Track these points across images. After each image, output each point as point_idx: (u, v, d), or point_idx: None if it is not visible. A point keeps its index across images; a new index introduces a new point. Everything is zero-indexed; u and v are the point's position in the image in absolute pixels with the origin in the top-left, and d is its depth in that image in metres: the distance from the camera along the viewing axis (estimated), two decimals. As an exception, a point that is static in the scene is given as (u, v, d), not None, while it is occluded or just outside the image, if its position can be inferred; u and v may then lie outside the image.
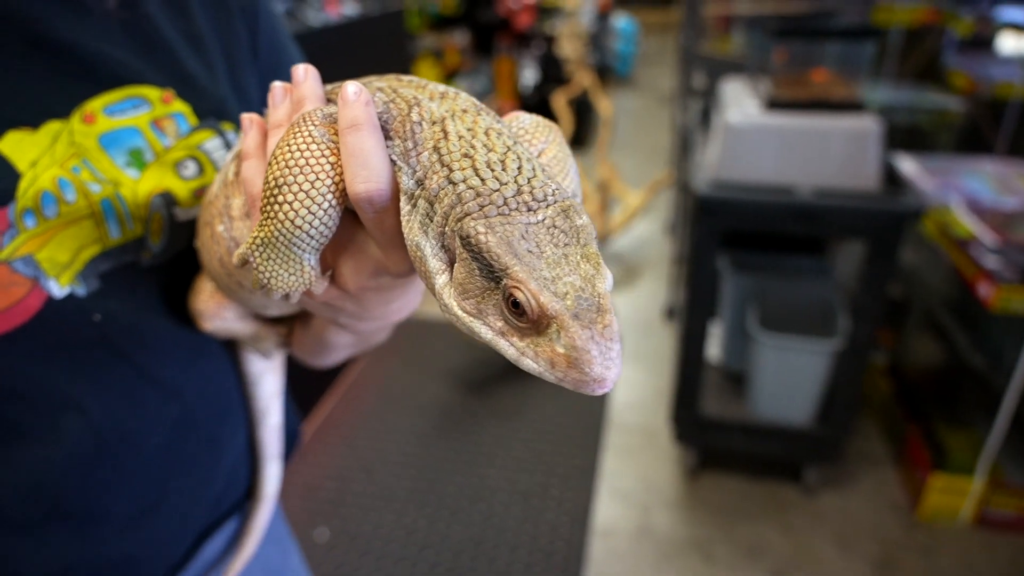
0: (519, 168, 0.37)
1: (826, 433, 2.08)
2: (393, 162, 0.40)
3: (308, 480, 2.30)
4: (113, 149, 0.53)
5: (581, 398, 2.67)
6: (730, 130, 1.88)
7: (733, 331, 2.31)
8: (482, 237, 0.34)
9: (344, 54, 2.60)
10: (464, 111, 0.40)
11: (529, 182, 0.36)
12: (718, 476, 2.30)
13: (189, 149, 0.57)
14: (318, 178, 0.39)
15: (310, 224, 0.40)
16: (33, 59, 0.50)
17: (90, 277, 0.52)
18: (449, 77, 5.55)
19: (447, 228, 0.36)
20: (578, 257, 0.35)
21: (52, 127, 0.50)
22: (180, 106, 0.57)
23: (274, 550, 0.79)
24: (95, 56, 0.52)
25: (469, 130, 0.38)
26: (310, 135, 0.39)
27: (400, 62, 3.25)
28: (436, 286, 0.37)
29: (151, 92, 0.55)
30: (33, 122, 0.49)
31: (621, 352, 0.34)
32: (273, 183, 0.39)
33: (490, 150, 0.37)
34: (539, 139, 0.44)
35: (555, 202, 0.36)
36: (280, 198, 0.39)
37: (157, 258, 0.57)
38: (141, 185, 0.54)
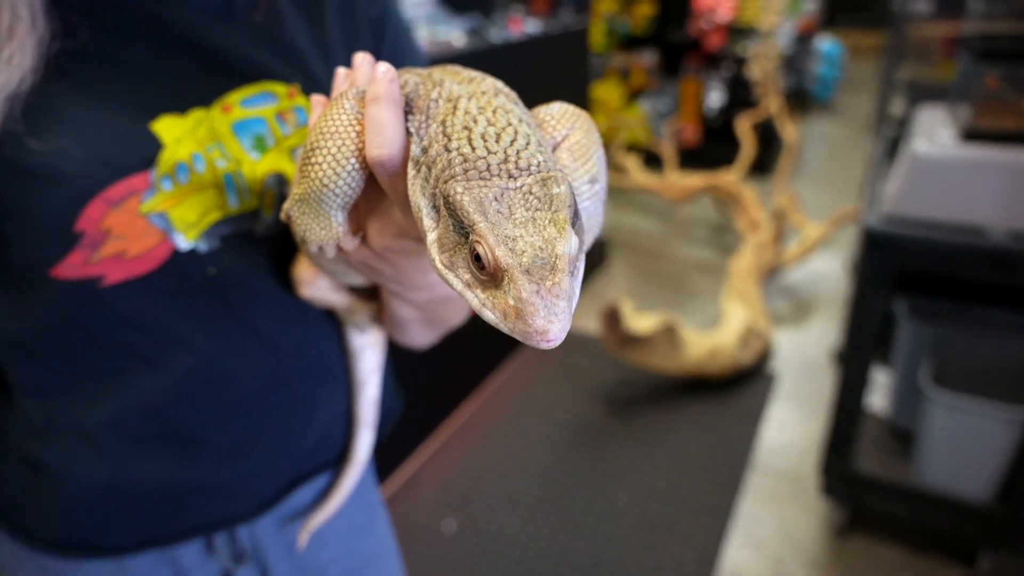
0: (512, 141, 0.39)
1: (1009, 515, 1.79)
2: (410, 133, 0.45)
3: (444, 474, 2.41)
4: (242, 134, 0.62)
5: (727, 433, 2.54)
6: (916, 161, 1.70)
7: (904, 384, 2.08)
8: (458, 197, 0.38)
9: (524, 71, 2.71)
10: (483, 93, 0.43)
11: (518, 153, 0.39)
12: (870, 541, 2.07)
13: (304, 138, 0.64)
14: (344, 143, 0.44)
15: (335, 183, 0.45)
16: (188, 58, 0.60)
17: (212, 237, 0.61)
18: (633, 96, 5.55)
19: (437, 189, 0.40)
20: (546, 221, 0.37)
21: (197, 114, 0.60)
22: (302, 101, 0.65)
23: (361, 512, 0.86)
24: (238, 57, 0.62)
25: (480, 108, 0.42)
26: (343, 108, 0.45)
27: (580, 80, 3.31)
28: (427, 242, 0.41)
29: (280, 88, 0.64)
30: (182, 108, 0.59)
31: (569, 310, 0.36)
32: (309, 147, 0.45)
33: (490, 124, 0.40)
34: (563, 125, 0.46)
35: (537, 172, 0.39)
36: (313, 160, 0.45)
37: (270, 229, 0.65)
38: (260, 166, 0.62)
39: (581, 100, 3.28)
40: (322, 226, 0.48)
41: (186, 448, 0.66)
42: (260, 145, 0.63)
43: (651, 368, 2.65)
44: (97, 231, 0.55)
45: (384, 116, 0.43)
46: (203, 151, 0.59)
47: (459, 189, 0.38)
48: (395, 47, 0.74)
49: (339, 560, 0.82)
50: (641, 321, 2.49)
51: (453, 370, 2.62)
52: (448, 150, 0.40)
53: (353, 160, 0.45)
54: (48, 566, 0.67)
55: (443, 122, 0.42)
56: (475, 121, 0.41)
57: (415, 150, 0.43)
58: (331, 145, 0.44)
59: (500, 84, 0.45)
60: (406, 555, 0.98)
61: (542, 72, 2.89)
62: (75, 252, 0.55)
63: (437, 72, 0.47)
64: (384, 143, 0.43)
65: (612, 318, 2.45)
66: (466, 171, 0.38)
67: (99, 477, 0.63)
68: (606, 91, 5.31)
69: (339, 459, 0.80)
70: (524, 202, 0.37)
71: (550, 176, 0.38)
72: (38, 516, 0.66)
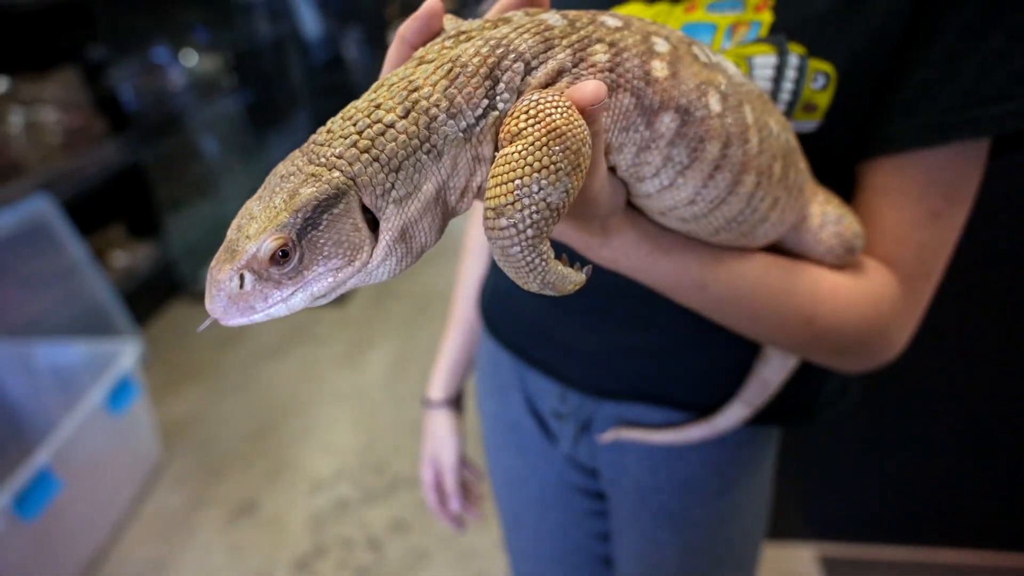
0: (349, 123, 0.37)
1: None
2: None
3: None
4: None
5: None
6: None
7: None
8: None
9: None
10: (429, 60, 0.39)
11: (328, 135, 0.37)
12: None
13: (737, 56, 0.56)
14: None
15: None
16: None
17: None
18: None
19: None
20: (271, 212, 0.35)
21: (662, 7, 0.58)
22: (766, 16, 0.55)
23: (707, 475, 0.81)
24: None
25: (403, 76, 0.38)
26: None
27: None
28: None
29: None
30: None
31: (222, 300, 0.35)
32: None
33: (372, 98, 0.37)
34: (512, 127, 0.37)
35: (317, 164, 0.36)
36: None
37: None
38: None
39: None
40: None
41: (556, 305, 0.78)
42: None
43: None
44: None
45: (389, 54, 0.42)
46: None
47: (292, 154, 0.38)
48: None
49: (659, 494, 0.82)
50: None
51: None
52: None
53: None
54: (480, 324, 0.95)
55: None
56: (379, 88, 0.38)
57: None
58: None
59: (491, 57, 0.38)
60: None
61: None
62: None
63: (507, 18, 0.41)
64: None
65: None
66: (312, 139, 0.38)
67: (503, 285, 0.84)
68: None
69: (708, 410, 0.77)
70: (283, 187, 0.36)
71: (313, 174, 0.36)
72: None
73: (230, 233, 0.36)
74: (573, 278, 0.40)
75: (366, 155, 0.36)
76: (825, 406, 0.79)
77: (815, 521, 1.82)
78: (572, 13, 0.42)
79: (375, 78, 0.41)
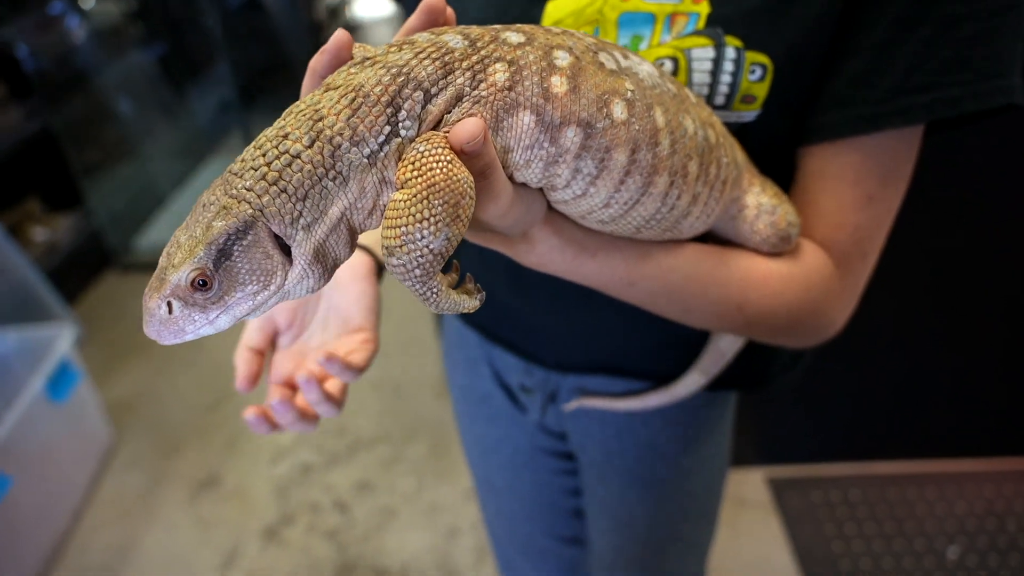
0: (259, 153, 0.38)
1: None
2: None
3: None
4: (624, 28, 0.57)
5: None
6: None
7: None
8: None
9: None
10: (335, 88, 0.40)
11: (240, 166, 0.39)
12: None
13: (675, 49, 0.56)
14: None
15: None
16: None
17: None
18: None
19: None
20: (192, 243, 0.38)
21: None
22: (703, 7, 0.55)
23: (667, 438, 0.85)
24: None
25: (310, 103, 0.40)
26: None
27: None
28: None
29: None
30: None
31: (154, 323, 0.38)
32: None
33: (281, 126, 0.39)
34: (401, 174, 0.39)
35: (227, 196, 0.38)
36: None
37: None
38: None
39: None
40: None
41: (518, 286, 0.78)
42: (634, 46, 0.57)
43: None
44: None
45: (303, 85, 0.44)
46: None
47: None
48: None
49: (624, 457, 0.85)
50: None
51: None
52: None
53: None
54: None
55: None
56: (287, 116, 0.39)
57: None
58: None
59: (390, 86, 0.39)
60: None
61: None
62: None
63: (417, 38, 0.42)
64: None
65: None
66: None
67: (465, 267, 0.83)
68: None
69: (667, 379, 0.79)
70: (204, 217, 0.38)
71: (224, 208, 0.37)
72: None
73: (161, 260, 0.39)
74: (466, 303, 0.43)
75: (274, 187, 0.38)
76: (779, 373, 0.82)
77: (763, 445, 1.92)
78: (475, 32, 0.42)
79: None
